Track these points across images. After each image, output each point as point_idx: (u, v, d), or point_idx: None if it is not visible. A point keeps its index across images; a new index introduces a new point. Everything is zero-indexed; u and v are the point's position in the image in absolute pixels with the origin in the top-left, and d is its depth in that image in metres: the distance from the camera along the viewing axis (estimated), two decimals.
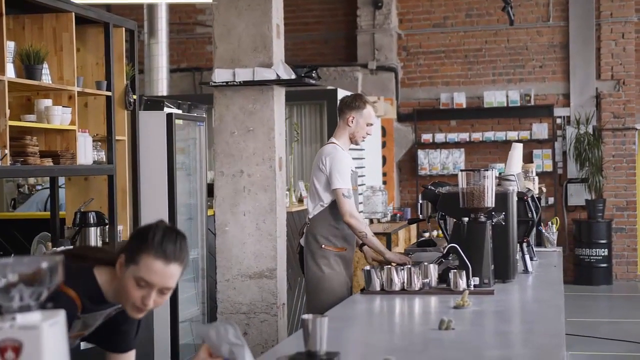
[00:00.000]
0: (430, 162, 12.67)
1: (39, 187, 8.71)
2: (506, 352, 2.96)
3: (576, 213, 12.38)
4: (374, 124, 5.40)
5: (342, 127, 5.28)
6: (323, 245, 5.13)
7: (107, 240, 5.65)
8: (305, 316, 2.66)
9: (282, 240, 6.07)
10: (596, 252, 11.93)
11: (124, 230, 5.88)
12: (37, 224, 6.33)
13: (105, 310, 2.68)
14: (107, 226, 5.62)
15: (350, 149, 5.31)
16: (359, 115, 5.21)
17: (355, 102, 5.25)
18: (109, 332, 2.77)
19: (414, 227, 11.12)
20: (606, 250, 11.95)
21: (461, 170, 4.39)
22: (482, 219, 4.31)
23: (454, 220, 4.47)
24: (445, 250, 4.32)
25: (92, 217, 5.46)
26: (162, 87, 10.36)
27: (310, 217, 5.24)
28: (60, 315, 1.81)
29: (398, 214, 11.13)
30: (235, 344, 2.49)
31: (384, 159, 12.27)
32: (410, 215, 11.99)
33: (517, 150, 5.40)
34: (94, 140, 5.54)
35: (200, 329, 2.56)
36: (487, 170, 4.36)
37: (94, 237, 5.50)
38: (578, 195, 12.27)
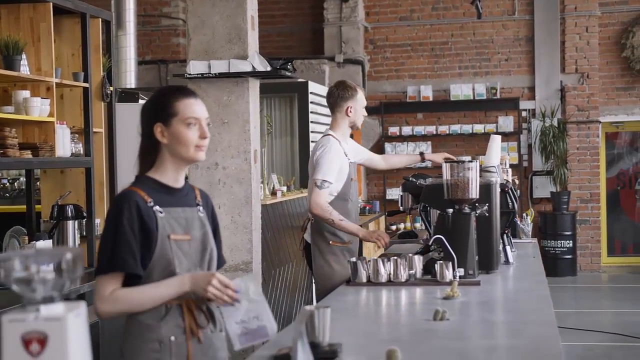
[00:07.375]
0: None
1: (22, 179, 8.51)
2: (504, 342, 2.98)
3: (541, 205, 12.51)
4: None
5: (341, 119, 5.23)
6: (331, 242, 5.08)
7: (84, 233, 5.59)
8: (309, 307, 2.67)
9: (258, 233, 6.05)
10: (561, 243, 12.07)
11: (101, 224, 5.81)
12: (9, 218, 6.24)
13: (181, 207, 2.83)
14: (84, 219, 5.55)
15: None
16: (355, 103, 5.24)
17: (348, 91, 5.23)
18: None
19: (382, 219, 11.18)
20: (571, 241, 12.10)
21: (445, 162, 4.40)
22: (467, 210, 4.33)
23: (438, 211, 4.48)
24: (431, 242, 4.34)
25: (70, 210, 5.38)
26: (130, 79, 10.22)
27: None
28: (82, 307, 1.79)
29: (367, 207, 11.17)
30: (254, 300, 2.54)
31: None
32: (379, 208, 12.04)
33: (496, 142, 5.43)
34: (71, 133, 5.47)
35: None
36: (472, 161, 4.37)
37: (72, 230, 5.43)
38: (543, 188, 12.40)
